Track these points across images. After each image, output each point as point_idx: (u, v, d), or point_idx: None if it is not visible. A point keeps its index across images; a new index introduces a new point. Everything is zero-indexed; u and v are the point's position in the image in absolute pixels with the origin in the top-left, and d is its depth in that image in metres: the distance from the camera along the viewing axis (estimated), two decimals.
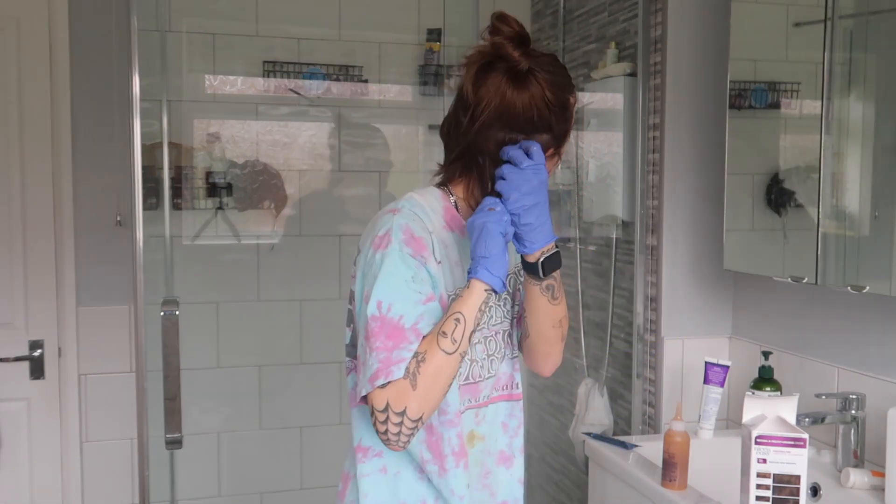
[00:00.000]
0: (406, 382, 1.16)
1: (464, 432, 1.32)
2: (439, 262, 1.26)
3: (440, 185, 1.37)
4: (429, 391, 1.17)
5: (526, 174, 1.21)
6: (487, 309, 1.33)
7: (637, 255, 2.30)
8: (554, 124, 1.29)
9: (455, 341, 1.19)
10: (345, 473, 1.40)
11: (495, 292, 1.22)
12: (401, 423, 1.16)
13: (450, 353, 1.18)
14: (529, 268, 1.28)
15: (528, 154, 1.23)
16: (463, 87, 1.29)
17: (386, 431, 1.16)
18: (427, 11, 2.95)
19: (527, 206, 1.21)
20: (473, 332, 1.21)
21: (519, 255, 1.28)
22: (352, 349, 1.36)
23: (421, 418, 1.17)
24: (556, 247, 1.27)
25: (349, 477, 1.38)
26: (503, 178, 1.22)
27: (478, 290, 1.21)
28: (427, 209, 1.30)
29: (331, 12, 2.88)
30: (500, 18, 1.26)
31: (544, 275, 1.27)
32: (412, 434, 1.18)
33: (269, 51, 2.82)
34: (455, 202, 1.35)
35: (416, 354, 1.18)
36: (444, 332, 1.19)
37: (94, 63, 2.52)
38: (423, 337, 1.19)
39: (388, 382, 1.15)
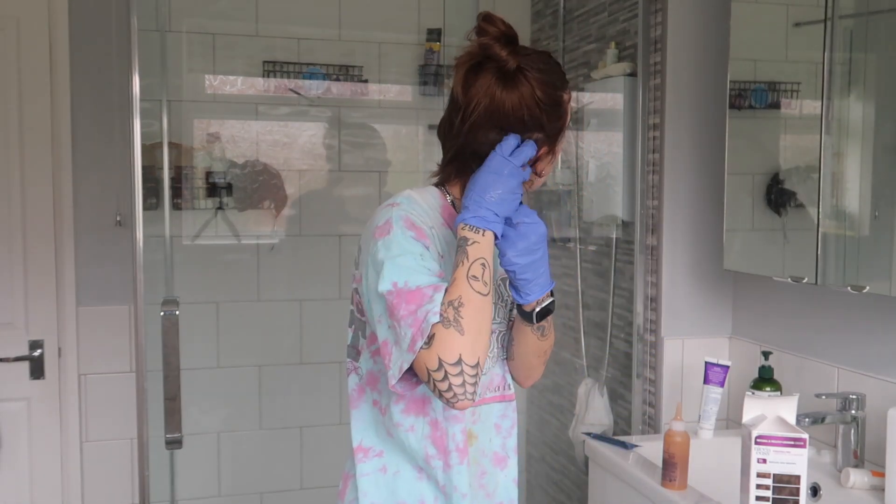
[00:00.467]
0: (451, 331, 1.10)
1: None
2: (442, 257, 1.26)
3: (437, 184, 1.37)
4: (477, 334, 1.12)
5: (522, 231, 1.21)
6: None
7: (637, 255, 2.30)
8: (546, 123, 1.28)
9: (486, 284, 1.15)
10: (345, 473, 1.40)
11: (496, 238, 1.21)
12: (461, 373, 1.10)
13: (484, 295, 1.15)
14: (523, 314, 1.29)
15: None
16: (454, 88, 1.29)
17: (450, 388, 1.10)
18: (427, 11, 2.95)
19: (523, 265, 1.21)
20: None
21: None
22: (353, 351, 1.36)
23: (479, 363, 1.12)
24: (552, 294, 1.28)
25: (349, 476, 1.38)
26: (501, 235, 1.21)
27: (490, 240, 1.18)
28: (425, 206, 1.30)
29: (331, 12, 2.88)
30: (485, 19, 1.26)
31: (536, 321, 1.28)
32: (476, 382, 1.12)
33: (269, 51, 2.82)
34: (452, 201, 1.34)
35: (449, 303, 1.12)
36: (474, 276, 1.15)
37: (94, 63, 2.52)
38: (449, 286, 1.14)
39: (431, 338, 1.10)
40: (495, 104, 1.25)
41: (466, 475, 1.29)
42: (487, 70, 1.25)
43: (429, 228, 1.26)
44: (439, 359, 1.10)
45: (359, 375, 1.35)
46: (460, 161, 1.31)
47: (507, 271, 1.22)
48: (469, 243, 1.17)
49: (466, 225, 1.18)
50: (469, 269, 1.15)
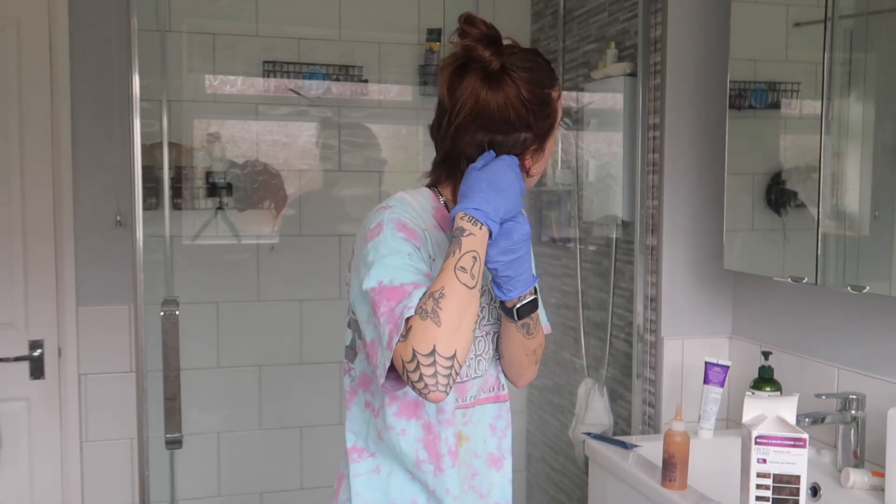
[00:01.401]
0: (428, 322, 1.08)
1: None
2: (433, 259, 1.26)
3: (430, 185, 1.36)
4: (456, 326, 1.09)
5: (506, 230, 1.19)
6: (481, 309, 1.33)
7: (637, 255, 2.30)
8: (533, 122, 1.26)
9: (474, 277, 1.12)
10: (339, 473, 1.40)
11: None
12: (434, 363, 1.07)
13: (471, 288, 1.12)
14: (506, 310, 1.28)
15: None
16: (439, 91, 1.28)
17: (420, 378, 1.08)
18: (427, 11, 2.95)
19: (505, 262, 1.19)
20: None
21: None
22: (350, 352, 1.36)
23: (455, 356, 1.09)
24: (535, 292, 1.27)
25: (343, 476, 1.38)
26: (492, 241, 1.18)
27: (485, 236, 1.15)
28: (417, 208, 1.29)
29: (331, 12, 2.88)
30: (467, 21, 1.25)
31: (518, 319, 1.27)
32: (450, 376, 1.09)
33: (269, 51, 2.82)
34: (445, 203, 1.34)
35: (430, 294, 1.10)
36: (462, 267, 1.12)
37: (94, 63, 2.52)
38: (436, 278, 1.13)
39: (408, 331, 1.09)
40: (480, 105, 1.24)
41: (457, 477, 1.29)
42: (472, 71, 1.24)
43: (421, 231, 1.25)
44: (413, 350, 1.08)
45: (351, 377, 1.36)
46: (450, 163, 1.31)
47: (489, 269, 1.20)
48: (465, 234, 1.14)
49: (466, 215, 1.15)
50: (459, 259, 1.12)
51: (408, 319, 1.10)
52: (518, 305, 1.26)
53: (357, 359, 1.34)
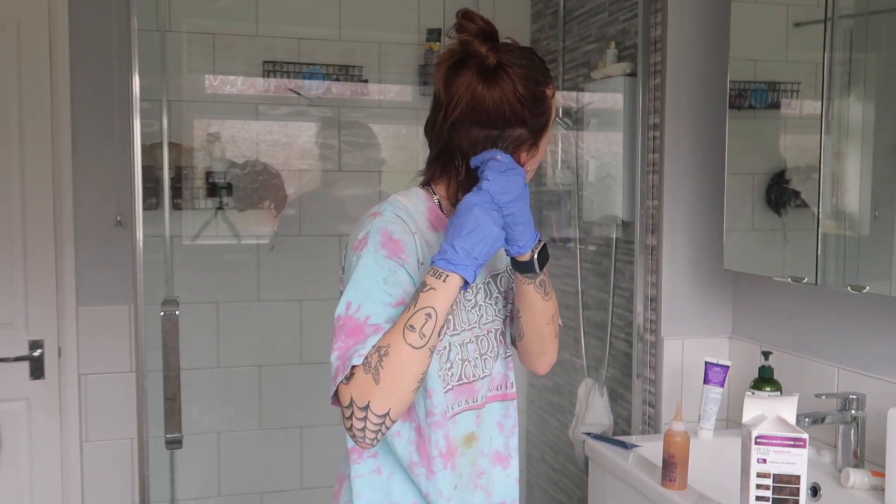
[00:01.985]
0: (368, 377, 1.11)
1: (461, 434, 1.32)
2: (421, 263, 1.25)
3: (424, 184, 1.36)
4: (393, 386, 1.11)
5: (509, 177, 1.18)
6: (478, 308, 1.34)
7: (637, 255, 2.29)
8: (528, 118, 1.26)
9: (424, 336, 1.13)
10: (340, 474, 1.41)
11: (465, 287, 1.17)
12: (365, 419, 1.11)
13: (417, 348, 1.12)
14: (525, 267, 1.26)
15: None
16: (435, 86, 1.29)
17: (351, 427, 1.13)
18: (427, 11, 2.95)
19: (517, 211, 1.18)
20: (443, 328, 1.16)
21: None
22: None
23: (388, 414, 1.12)
24: (540, 240, 1.27)
25: (344, 478, 1.38)
26: (488, 181, 1.18)
27: (454, 285, 1.14)
28: (411, 210, 1.29)
29: (331, 12, 2.88)
30: (465, 16, 1.25)
31: (540, 269, 1.26)
32: (379, 431, 1.13)
33: (269, 51, 2.82)
34: (439, 201, 1.34)
35: (378, 348, 1.12)
36: (411, 326, 1.12)
37: (94, 63, 2.52)
38: (387, 331, 1.14)
39: (351, 376, 1.12)
40: (476, 100, 1.24)
41: (451, 478, 1.29)
42: (468, 67, 1.24)
43: (411, 236, 1.25)
44: (351, 398, 1.12)
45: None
46: (445, 158, 1.31)
47: (505, 222, 1.19)
48: (425, 289, 1.15)
49: (432, 266, 1.15)
50: (410, 317, 1.13)
51: (354, 366, 1.12)
52: (537, 252, 1.24)
53: None
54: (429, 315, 1.13)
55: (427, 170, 1.36)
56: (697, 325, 2.26)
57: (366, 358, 1.12)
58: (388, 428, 1.14)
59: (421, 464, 1.28)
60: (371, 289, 1.18)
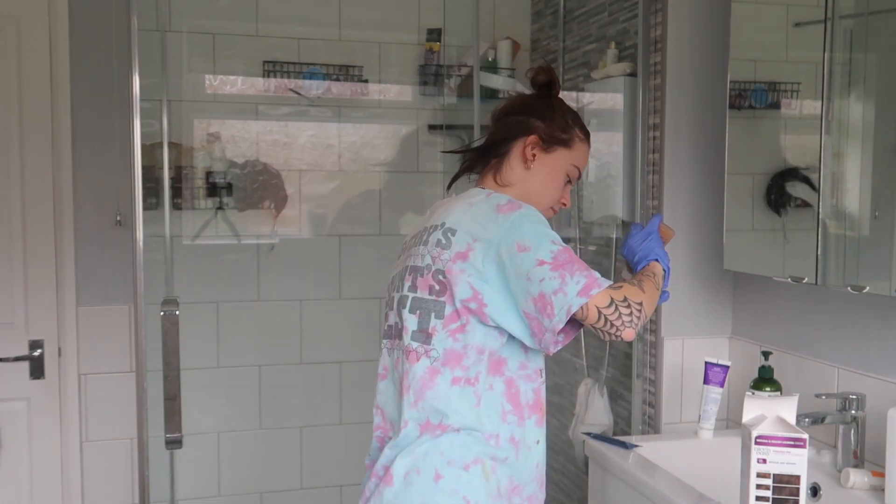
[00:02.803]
0: (634, 288, 1.40)
1: (545, 398, 1.52)
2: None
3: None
4: (648, 297, 1.41)
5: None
6: None
7: None
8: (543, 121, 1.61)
9: (656, 285, 1.48)
10: (447, 462, 1.42)
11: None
12: (631, 311, 1.36)
13: (654, 288, 1.46)
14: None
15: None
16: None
17: (619, 318, 1.34)
18: (427, 11, 2.95)
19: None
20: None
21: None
22: (422, 335, 1.43)
23: (644, 310, 1.39)
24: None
25: (476, 461, 1.42)
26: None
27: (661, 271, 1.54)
28: None
29: (331, 12, 2.88)
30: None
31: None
32: (640, 319, 1.37)
33: (269, 51, 2.82)
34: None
35: (644, 273, 1.49)
36: (651, 273, 1.50)
37: (94, 63, 2.52)
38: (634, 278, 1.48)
39: (618, 287, 1.37)
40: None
41: (535, 432, 1.48)
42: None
43: None
44: (623, 297, 1.37)
45: (431, 358, 1.43)
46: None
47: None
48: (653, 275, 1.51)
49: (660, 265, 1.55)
50: (654, 277, 1.50)
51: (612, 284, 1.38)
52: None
53: (436, 339, 1.42)
54: (654, 274, 1.51)
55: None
56: (697, 325, 2.26)
57: (629, 281, 1.44)
58: (643, 322, 1.40)
59: (513, 412, 1.45)
60: (552, 233, 1.41)
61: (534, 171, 1.56)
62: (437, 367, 1.42)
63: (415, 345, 1.44)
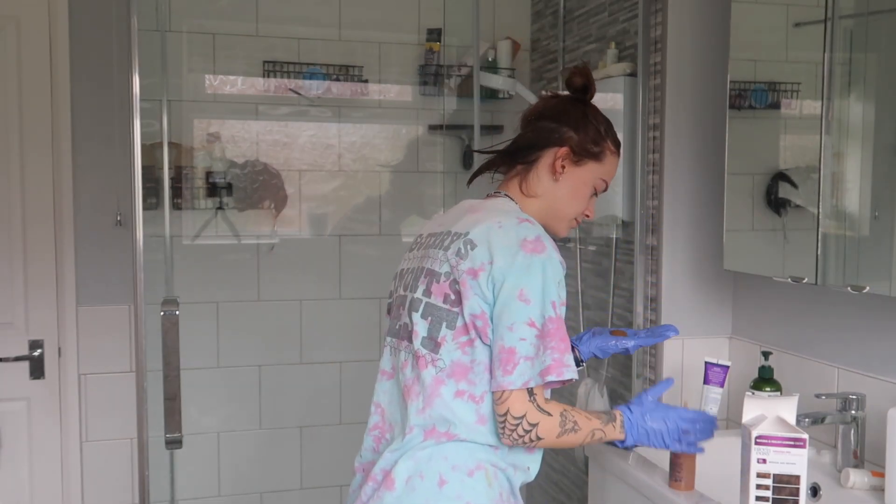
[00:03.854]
0: (555, 425, 1.39)
1: None
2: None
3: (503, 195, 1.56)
4: (560, 444, 1.42)
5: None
6: None
7: (637, 255, 2.29)
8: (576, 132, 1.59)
9: (589, 439, 1.47)
10: (458, 466, 1.42)
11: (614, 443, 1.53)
12: (526, 437, 1.37)
13: (583, 441, 1.46)
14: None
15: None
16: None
17: (512, 429, 1.37)
18: (427, 11, 2.95)
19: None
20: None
21: None
22: (430, 342, 1.41)
23: (537, 444, 1.40)
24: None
25: (479, 467, 1.42)
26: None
27: (616, 435, 1.51)
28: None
29: (331, 12, 2.88)
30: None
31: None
32: (526, 444, 1.40)
33: (269, 51, 2.82)
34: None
35: (574, 422, 1.42)
36: (600, 430, 1.47)
37: (94, 63, 2.52)
38: (583, 419, 1.44)
39: (546, 413, 1.38)
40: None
41: (525, 456, 1.49)
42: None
43: None
44: (535, 420, 1.37)
45: (437, 367, 1.40)
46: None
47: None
48: (613, 421, 1.51)
49: (622, 414, 1.53)
50: (602, 427, 1.48)
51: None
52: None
53: (444, 349, 1.40)
54: (602, 432, 1.48)
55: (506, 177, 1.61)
56: (697, 325, 2.26)
57: (564, 414, 1.41)
58: (531, 442, 1.40)
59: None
60: (560, 291, 1.40)
61: (561, 183, 1.54)
62: (442, 377, 1.41)
63: (424, 351, 1.42)
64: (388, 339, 1.54)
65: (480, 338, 1.39)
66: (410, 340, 1.45)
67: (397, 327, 1.51)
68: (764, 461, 1.49)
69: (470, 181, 1.66)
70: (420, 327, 1.43)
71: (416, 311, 1.44)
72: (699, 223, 2.23)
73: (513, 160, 1.56)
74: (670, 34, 2.18)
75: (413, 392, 1.43)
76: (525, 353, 1.35)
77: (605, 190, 1.61)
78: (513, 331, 1.35)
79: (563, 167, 1.53)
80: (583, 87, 1.59)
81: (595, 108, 1.59)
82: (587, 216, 1.60)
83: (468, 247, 1.41)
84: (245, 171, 2.83)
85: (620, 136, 2.33)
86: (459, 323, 1.40)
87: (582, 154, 1.53)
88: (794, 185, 1.88)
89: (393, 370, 1.53)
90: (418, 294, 1.45)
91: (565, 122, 1.53)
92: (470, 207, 1.53)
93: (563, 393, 2.85)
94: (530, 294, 1.35)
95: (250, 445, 2.89)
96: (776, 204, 1.95)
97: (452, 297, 1.40)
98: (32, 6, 2.44)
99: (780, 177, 1.93)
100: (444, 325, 1.40)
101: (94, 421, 2.57)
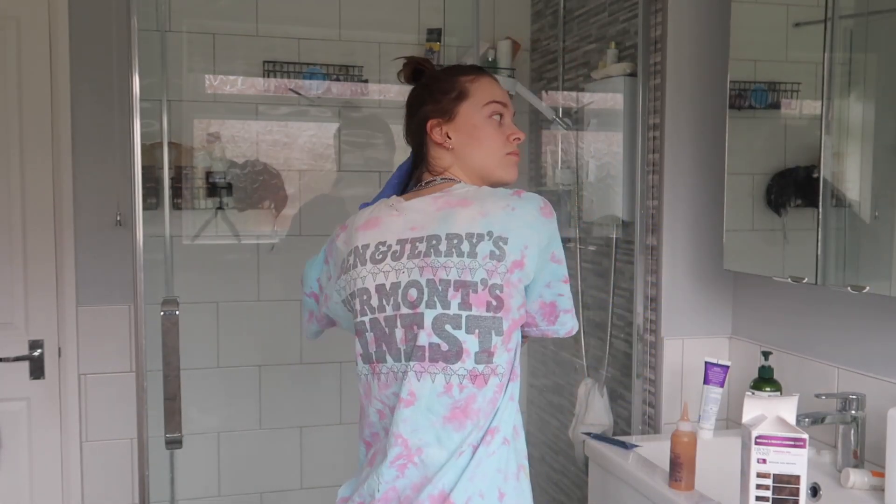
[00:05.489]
0: None
1: None
2: None
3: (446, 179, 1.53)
4: None
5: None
6: None
7: (637, 255, 2.30)
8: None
9: None
10: (514, 471, 1.45)
11: None
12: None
13: None
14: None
15: None
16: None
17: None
18: (427, 11, 2.95)
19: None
20: None
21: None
22: (485, 356, 1.35)
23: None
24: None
25: (521, 468, 1.47)
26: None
27: None
28: None
29: (331, 12, 2.88)
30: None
31: None
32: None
33: (269, 51, 2.82)
34: None
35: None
36: None
37: (94, 63, 2.52)
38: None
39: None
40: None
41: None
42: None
43: None
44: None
45: (499, 375, 1.37)
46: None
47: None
48: None
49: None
50: None
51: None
52: None
53: (497, 356, 1.36)
54: None
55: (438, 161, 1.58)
56: (697, 325, 2.26)
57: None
58: None
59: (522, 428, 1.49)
60: None
61: (458, 142, 1.48)
62: (504, 382, 1.38)
63: (480, 367, 1.35)
64: (410, 363, 1.36)
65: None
66: (453, 361, 1.34)
67: (417, 347, 1.35)
68: (764, 461, 1.49)
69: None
70: (470, 344, 1.34)
71: (460, 328, 1.34)
72: (699, 223, 2.23)
73: (421, 161, 1.59)
74: (670, 34, 2.18)
75: (467, 412, 1.35)
76: (564, 307, 1.48)
77: (506, 106, 1.50)
78: (551, 287, 1.44)
79: (444, 133, 1.49)
80: (415, 74, 1.57)
81: (432, 74, 1.55)
82: (517, 139, 1.50)
83: (500, 244, 1.36)
84: (245, 171, 2.83)
85: (620, 136, 2.35)
86: (506, 326, 1.36)
87: (446, 109, 1.50)
88: (794, 184, 1.88)
89: (413, 396, 1.35)
90: (455, 310, 1.34)
91: (417, 105, 1.55)
92: (447, 203, 1.42)
93: (563, 393, 2.85)
94: (560, 255, 1.44)
95: (250, 445, 2.89)
96: (776, 204, 1.95)
97: (494, 303, 1.35)
98: (32, 6, 2.44)
99: (780, 177, 1.93)
100: (493, 332, 1.35)
101: (94, 421, 2.57)
